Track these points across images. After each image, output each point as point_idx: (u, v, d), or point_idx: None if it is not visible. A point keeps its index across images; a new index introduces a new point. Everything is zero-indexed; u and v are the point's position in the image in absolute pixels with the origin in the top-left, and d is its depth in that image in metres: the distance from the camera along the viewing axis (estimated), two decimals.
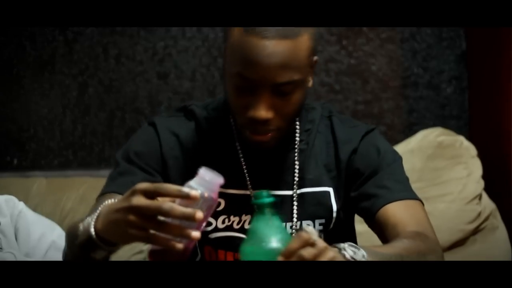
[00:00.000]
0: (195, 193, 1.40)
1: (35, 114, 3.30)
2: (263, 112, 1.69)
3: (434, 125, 3.02)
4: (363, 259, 1.45)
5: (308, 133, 1.87)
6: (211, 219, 1.85)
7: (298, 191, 1.84)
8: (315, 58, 1.75)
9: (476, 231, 2.76)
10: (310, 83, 1.77)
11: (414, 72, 3.28)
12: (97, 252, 1.51)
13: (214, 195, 1.46)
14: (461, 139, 2.87)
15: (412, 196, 1.82)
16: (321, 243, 1.40)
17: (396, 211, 1.77)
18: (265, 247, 1.45)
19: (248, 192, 1.84)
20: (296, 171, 1.85)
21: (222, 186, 1.84)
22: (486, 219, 2.77)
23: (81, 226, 1.52)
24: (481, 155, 2.85)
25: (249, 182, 1.85)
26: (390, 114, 3.28)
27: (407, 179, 1.86)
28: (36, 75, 3.30)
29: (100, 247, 1.48)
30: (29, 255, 2.11)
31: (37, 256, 2.12)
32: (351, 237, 1.93)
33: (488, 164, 2.86)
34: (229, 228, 1.85)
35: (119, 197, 1.75)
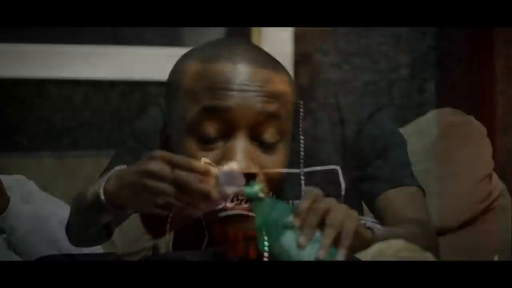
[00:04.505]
0: (213, 169, 1.38)
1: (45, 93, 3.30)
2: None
3: (443, 105, 3.00)
4: (377, 225, 1.49)
5: (311, 110, 1.87)
6: None
7: (305, 170, 1.82)
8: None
9: (486, 210, 2.75)
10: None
11: (423, 52, 3.26)
12: (102, 216, 1.51)
13: (230, 190, 1.43)
14: (471, 119, 2.86)
15: (414, 182, 1.82)
16: (330, 198, 1.40)
17: (397, 197, 1.77)
18: (279, 229, 1.39)
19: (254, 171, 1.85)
20: (302, 149, 1.84)
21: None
22: (496, 199, 2.77)
23: (91, 189, 1.52)
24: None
25: None
26: (399, 94, 3.27)
27: (410, 164, 1.86)
28: None
29: (108, 209, 1.47)
30: None
31: None
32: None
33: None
34: (238, 206, 1.83)
35: None
